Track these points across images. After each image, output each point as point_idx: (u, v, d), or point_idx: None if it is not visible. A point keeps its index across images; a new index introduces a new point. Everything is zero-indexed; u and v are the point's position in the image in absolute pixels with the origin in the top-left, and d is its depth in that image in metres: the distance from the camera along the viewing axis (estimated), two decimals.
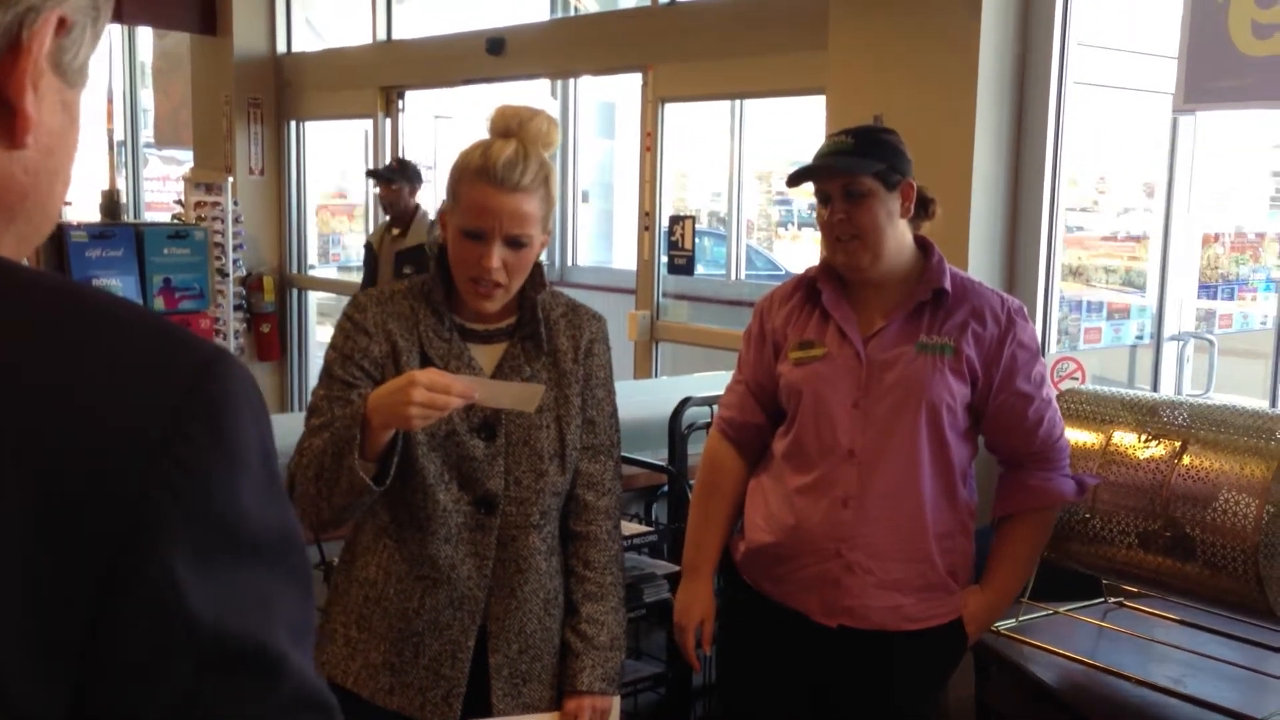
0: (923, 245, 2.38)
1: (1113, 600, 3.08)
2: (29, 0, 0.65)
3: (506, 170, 1.89)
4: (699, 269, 6.05)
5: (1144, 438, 2.68)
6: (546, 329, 2.03)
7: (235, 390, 0.63)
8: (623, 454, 3.34)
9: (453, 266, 1.97)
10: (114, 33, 9.76)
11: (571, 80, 7.12)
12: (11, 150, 0.67)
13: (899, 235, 2.32)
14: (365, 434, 1.79)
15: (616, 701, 2.08)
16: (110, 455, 0.58)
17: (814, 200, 2.39)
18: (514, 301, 2.02)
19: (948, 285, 2.31)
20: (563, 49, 6.16)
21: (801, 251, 9.40)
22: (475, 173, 1.92)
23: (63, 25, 0.68)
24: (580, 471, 2.06)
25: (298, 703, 0.62)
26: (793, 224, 10.26)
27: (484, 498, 1.97)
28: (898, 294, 2.34)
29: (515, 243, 1.92)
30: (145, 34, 9.59)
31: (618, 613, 2.08)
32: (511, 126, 1.94)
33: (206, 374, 0.62)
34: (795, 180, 2.36)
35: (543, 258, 2.06)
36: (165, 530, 0.57)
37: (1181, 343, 3.92)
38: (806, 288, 2.41)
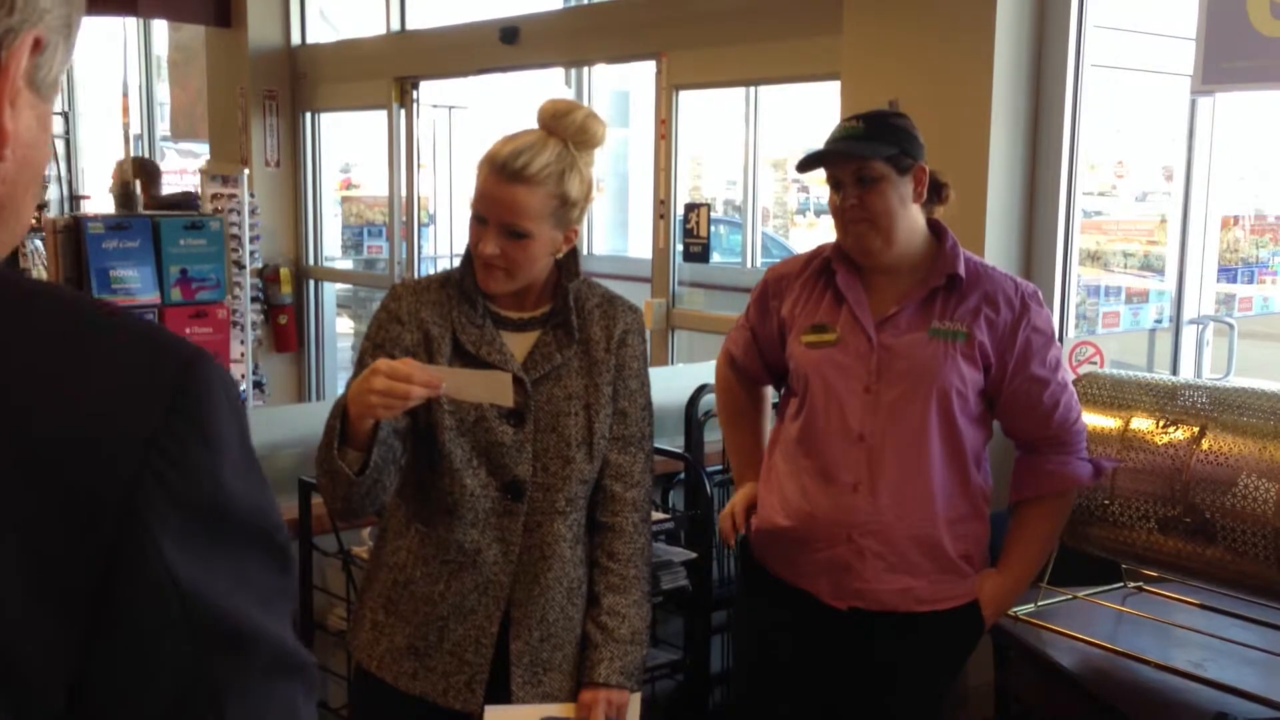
0: (936, 230, 2.37)
1: (1132, 585, 3.06)
2: (6, 22, 0.69)
3: (509, 159, 1.92)
4: (714, 256, 6.04)
5: (1163, 422, 2.67)
6: (579, 318, 2.03)
7: (214, 386, 0.69)
8: None
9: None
10: (129, 27, 9.79)
11: (585, 68, 7.11)
12: None
13: (911, 220, 2.31)
14: (346, 423, 1.81)
15: (637, 698, 2.06)
16: (104, 453, 0.64)
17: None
18: (549, 290, 2.04)
19: (961, 271, 2.30)
20: (576, 37, 6.14)
21: (818, 238, 9.38)
22: (486, 160, 1.95)
23: (38, 45, 0.72)
24: (609, 462, 2.06)
25: (275, 667, 0.68)
26: (809, 211, 10.23)
27: (511, 483, 1.98)
28: (911, 279, 2.33)
29: (512, 232, 1.93)
30: (160, 27, 9.61)
31: (640, 606, 2.07)
32: (546, 120, 1.96)
33: (187, 373, 0.68)
34: (806, 166, 2.35)
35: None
36: (157, 518, 0.64)
37: (1201, 326, 3.88)
38: (820, 268, 2.40)
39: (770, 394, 2.66)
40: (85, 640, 0.61)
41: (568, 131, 1.95)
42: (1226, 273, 4.21)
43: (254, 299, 6.69)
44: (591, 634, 2.05)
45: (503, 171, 1.92)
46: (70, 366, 0.65)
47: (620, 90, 9.24)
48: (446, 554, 1.99)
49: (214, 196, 6.78)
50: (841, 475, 2.30)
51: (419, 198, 7.18)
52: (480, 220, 1.96)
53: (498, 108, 7.37)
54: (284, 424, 3.14)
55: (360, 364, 1.98)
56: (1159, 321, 4.19)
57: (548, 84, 7.01)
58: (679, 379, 3.81)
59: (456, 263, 2.09)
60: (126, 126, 10.25)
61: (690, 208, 5.50)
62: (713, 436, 3.52)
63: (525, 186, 1.91)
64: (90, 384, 0.65)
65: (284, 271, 7.68)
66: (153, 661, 0.63)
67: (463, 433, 1.96)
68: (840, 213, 2.31)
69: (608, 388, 2.04)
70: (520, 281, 1.99)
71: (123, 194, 5.04)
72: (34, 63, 0.72)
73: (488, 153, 1.96)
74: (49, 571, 0.61)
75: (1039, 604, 2.89)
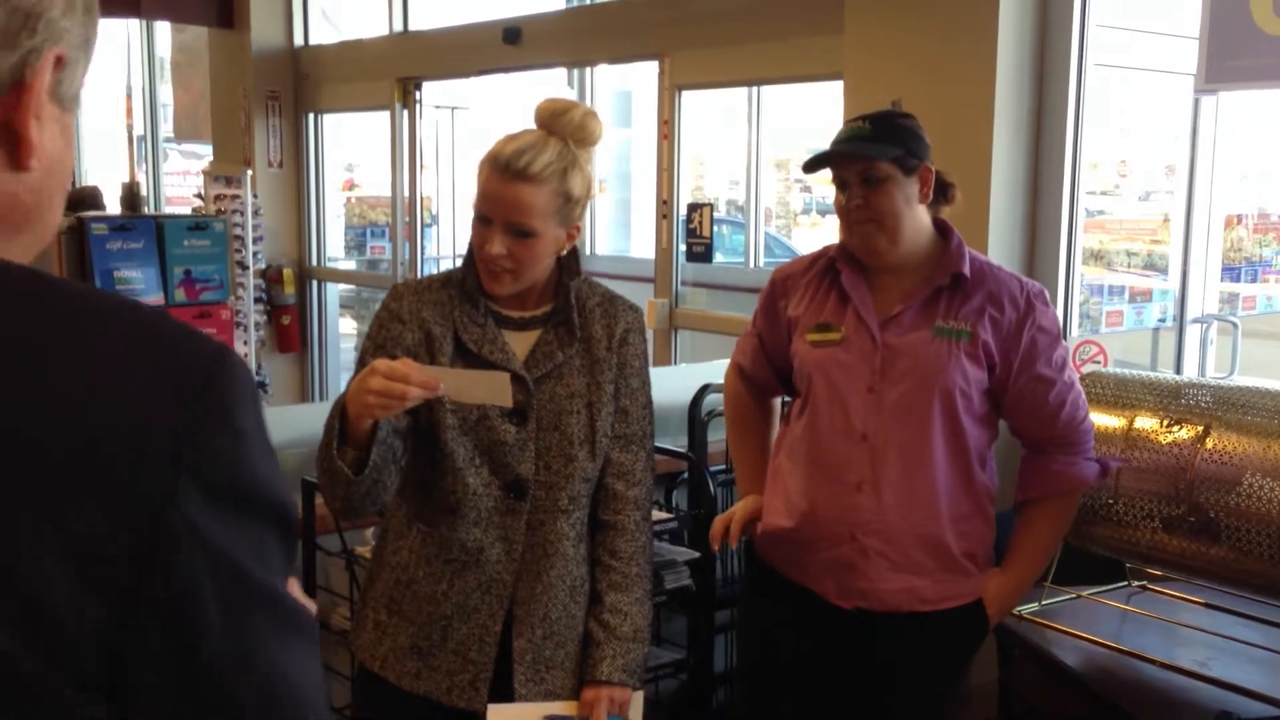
0: (942, 229, 2.37)
1: (1136, 584, 3.06)
2: (30, 43, 0.76)
3: (513, 158, 1.92)
4: (717, 256, 6.04)
5: (1167, 421, 2.67)
6: (580, 316, 2.03)
7: (239, 380, 0.76)
8: None
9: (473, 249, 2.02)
10: (133, 28, 9.79)
11: (588, 69, 7.12)
12: (17, 173, 0.78)
13: (917, 220, 2.31)
14: (345, 422, 1.81)
15: (639, 696, 2.07)
16: (141, 448, 0.70)
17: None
18: (550, 289, 2.05)
19: (966, 270, 2.30)
20: (579, 38, 6.15)
21: (821, 238, 9.37)
22: (489, 160, 1.96)
23: (59, 62, 0.78)
24: (611, 460, 2.06)
25: (291, 625, 0.77)
26: (813, 211, 10.23)
27: (514, 482, 1.98)
28: (916, 278, 2.33)
29: (518, 231, 1.93)
30: (164, 29, 9.62)
31: (643, 604, 2.08)
32: (544, 120, 1.97)
33: (215, 370, 0.74)
34: (812, 166, 2.35)
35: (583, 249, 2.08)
36: (192, 505, 0.71)
37: (1204, 325, 3.88)
38: (825, 267, 2.41)
39: (779, 406, 2.65)
40: (126, 619, 0.68)
41: (567, 130, 1.96)
42: (1230, 272, 4.21)
43: (257, 299, 6.70)
44: (594, 632, 2.05)
45: (507, 171, 1.92)
46: (105, 364, 0.72)
47: (622, 90, 9.24)
48: (449, 553, 1.99)
49: (217, 197, 6.78)
50: (845, 475, 2.30)
51: (422, 198, 7.19)
52: (484, 221, 1.96)
53: (500, 108, 7.37)
54: (287, 424, 3.13)
55: (361, 363, 1.98)
56: (1162, 320, 4.19)
57: (550, 84, 7.02)
58: (682, 379, 3.81)
59: (459, 263, 2.09)
60: (130, 128, 10.26)
61: (693, 208, 5.51)
62: (716, 436, 3.52)
63: (530, 185, 1.92)
64: (124, 381, 0.72)
65: (287, 272, 7.68)
66: (193, 632, 0.71)
67: (465, 431, 1.96)
68: (846, 213, 2.31)
69: (609, 386, 2.04)
70: (526, 282, 2.00)
71: (128, 196, 5.05)
72: (56, 78, 0.78)
73: (489, 153, 1.96)
74: (91, 558, 0.67)
75: (1043, 603, 2.89)
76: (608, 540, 2.08)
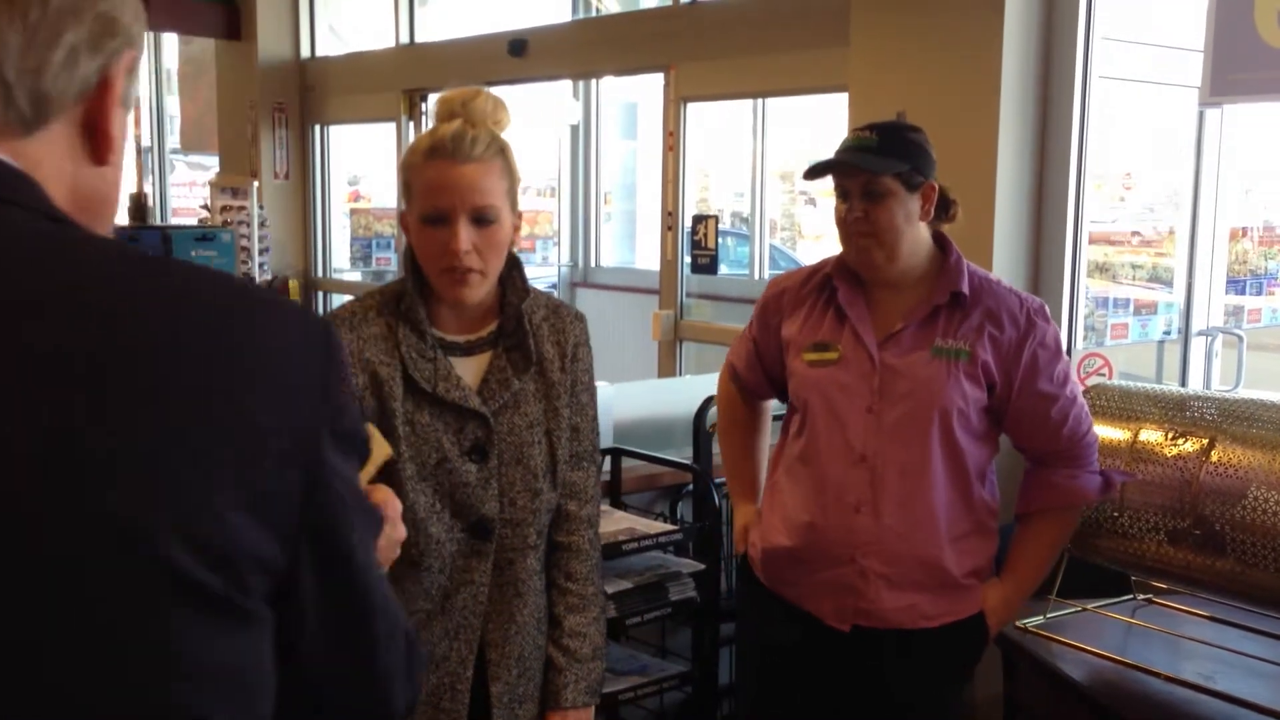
0: (941, 243, 2.35)
1: (1142, 597, 3.05)
2: (112, 45, 0.85)
3: (456, 142, 1.79)
4: (722, 268, 6.05)
5: (1172, 434, 2.66)
6: (533, 338, 1.92)
7: (340, 341, 0.89)
8: (648, 453, 3.36)
9: (423, 264, 1.86)
10: None
11: (594, 81, 7.13)
12: (99, 167, 0.87)
13: (916, 236, 2.29)
14: None
15: (591, 710, 2.04)
16: (303, 403, 0.83)
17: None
18: (496, 304, 1.92)
19: (965, 288, 2.27)
20: (584, 50, 6.16)
21: (824, 251, 9.37)
22: (425, 154, 1.82)
23: (131, 64, 0.87)
24: (564, 480, 1.97)
25: (375, 526, 0.97)
26: (814, 224, 10.22)
27: (479, 523, 1.88)
28: (914, 295, 2.31)
29: (482, 218, 1.80)
30: (171, 40, 9.66)
31: (599, 622, 2.03)
32: (455, 109, 1.85)
33: (329, 333, 0.87)
34: (814, 173, 2.32)
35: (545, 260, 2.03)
36: (330, 448, 0.85)
37: (1209, 338, 3.89)
38: (821, 284, 2.39)
39: (771, 409, 2.65)
40: (294, 547, 0.83)
41: (483, 114, 1.84)
42: (1235, 284, 4.21)
43: None
44: (555, 658, 1.99)
45: (456, 155, 1.79)
46: (254, 333, 0.82)
47: (628, 102, 9.24)
48: (414, 605, 1.87)
49: (223, 209, 6.80)
50: (844, 496, 2.28)
51: None
52: (439, 221, 1.80)
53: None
54: None
55: None
56: (1167, 333, 4.19)
57: (556, 96, 7.03)
58: (687, 390, 3.81)
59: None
60: (137, 139, 10.29)
61: (698, 219, 5.52)
62: None
63: (480, 165, 1.80)
64: (281, 347, 0.83)
65: (293, 283, 7.70)
66: (343, 546, 0.88)
67: (424, 477, 1.85)
68: (845, 224, 2.29)
69: (565, 409, 1.94)
70: (490, 281, 1.86)
71: (135, 207, 5.07)
72: (127, 80, 0.87)
73: (421, 148, 1.83)
74: (268, 508, 0.80)
75: (1048, 616, 2.88)
76: (563, 562, 2.00)
